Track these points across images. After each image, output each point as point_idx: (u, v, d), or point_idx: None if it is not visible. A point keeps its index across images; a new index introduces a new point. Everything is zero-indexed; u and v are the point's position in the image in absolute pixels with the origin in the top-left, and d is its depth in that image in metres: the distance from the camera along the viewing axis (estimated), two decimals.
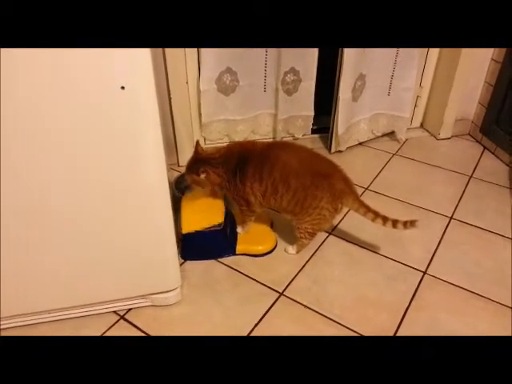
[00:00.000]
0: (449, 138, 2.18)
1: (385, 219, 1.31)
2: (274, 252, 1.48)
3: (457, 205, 1.71)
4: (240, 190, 1.33)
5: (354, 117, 2.00)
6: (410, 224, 1.29)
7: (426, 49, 2.01)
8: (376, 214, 1.31)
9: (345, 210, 1.38)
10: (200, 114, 1.87)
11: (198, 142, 1.35)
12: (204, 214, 1.42)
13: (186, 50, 1.69)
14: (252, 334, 1.20)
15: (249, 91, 1.88)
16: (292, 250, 1.46)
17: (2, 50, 0.77)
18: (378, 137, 2.17)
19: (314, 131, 2.11)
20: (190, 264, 1.42)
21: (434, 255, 1.47)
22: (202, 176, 1.31)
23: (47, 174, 0.95)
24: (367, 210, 1.32)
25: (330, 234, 1.55)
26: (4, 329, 1.18)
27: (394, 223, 1.30)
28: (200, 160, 1.33)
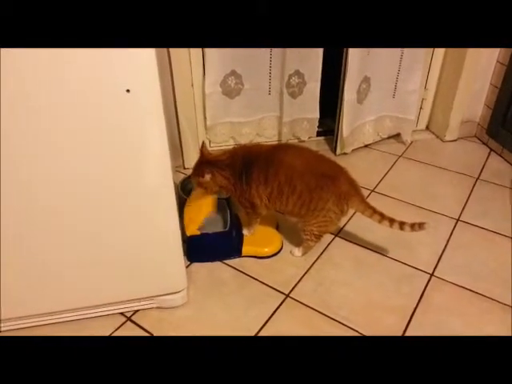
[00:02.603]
0: (455, 140, 2.17)
1: (391, 221, 1.30)
2: (279, 254, 1.47)
3: (463, 206, 1.70)
4: (245, 192, 1.33)
5: (359, 119, 2.00)
6: (418, 226, 1.28)
7: (431, 51, 2.01)
8: (382, 216, 1.31)
9: (350, 212, 1.37)
10: (205, 117, 1.88)
11: (203, 143, 1.35)
12: None
13: (191, 53, 1.70)
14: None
15: (253, 94, 1.89)
16: (298, 252, 1.45)
17: (2, 50, 0.78)
18: (384, 139, 2.17)
19: (319, 134, 2.11)
20: (195, 266, 1.43)
21: (440, 257, 1.47)
22: (208, 177, 1.30)
23: (51, 176, 0.95)
24: (373, 211, 1.31)
25: (336, 236, 1.55)
26: (7, 330, 1.19)
27: (401, 225, 1.30)
28: (206, 162, 1.32)
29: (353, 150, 2.07)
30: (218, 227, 1.46)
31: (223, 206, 1.52)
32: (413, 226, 1.29)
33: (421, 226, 1.28)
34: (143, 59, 0.87)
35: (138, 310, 1.27)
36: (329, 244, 1.51)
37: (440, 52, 2.03)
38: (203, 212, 1.38)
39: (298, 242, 1.47)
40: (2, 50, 0.77)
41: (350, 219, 1.59)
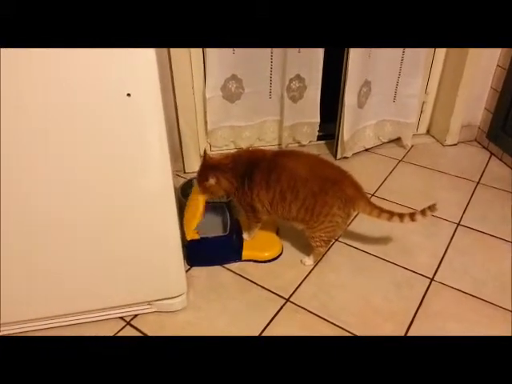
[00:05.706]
0: (455, 145, 2.17)
1: (401, 216, 1.32)
2: (279, 258, 1.47)
3: (464, 211, 1.70)
4: (247, 196, 1.33)
5: (359, 123, 2.00)
6: (428, 210, 1.30)
7: (432, 55, 2.02)
8: (391, 213, 1.32)
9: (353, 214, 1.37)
10: (206, 121, 1.88)
11: (205, 151, 1.36)
12: None
13: (192, 57, 1.70)
14: None
15: (254, 98, 1.89)
16: (309, 260, 1.44)
17: (2, 50, 0.78)
18: (384, 143, 2.17)
19: (319, 138, 2.12)
20: (195, 270, 1.42)
21: (441, 261, 1.46)
22: (212, 182, 1.29)
23: (51, 180, 0.96)
24: (381, 211, 1.32)
25: (336, 240, 1.54)
26: (7, 335, 1.18)
27: (412, 216, 1.31)
28: (209, 166, 1.32)
29: (353, 154, 2.07)
30: (218, 231, 1.46)
31: (223, 210, 1.52)
32: (423, 212, 1.30)
33: (431, 208, 1.29)
34: (144, 63, 0.87)
35: (137, 315, 1.26)
36: (329, 249, 1.51)
37: (440, 56, 2.03)
38: (198, 213, 1.37)
39: (299, 247, 1.47)
40: (2, 50, 0.77)
41: (350, 223, 1.58)
